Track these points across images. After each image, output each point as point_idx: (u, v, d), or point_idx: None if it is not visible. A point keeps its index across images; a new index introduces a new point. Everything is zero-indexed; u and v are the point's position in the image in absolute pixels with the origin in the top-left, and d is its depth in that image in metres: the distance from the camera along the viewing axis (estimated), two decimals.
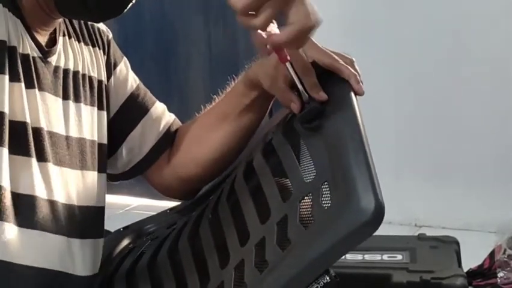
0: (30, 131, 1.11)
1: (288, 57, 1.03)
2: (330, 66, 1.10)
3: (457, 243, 1.50)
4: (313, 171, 0.98)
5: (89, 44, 1.29)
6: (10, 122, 1.09)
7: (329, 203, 0.90)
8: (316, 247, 0.87)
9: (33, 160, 1.12)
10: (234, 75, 1.35)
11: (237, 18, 0.96)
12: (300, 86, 1.06)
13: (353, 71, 1.09)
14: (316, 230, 0.89)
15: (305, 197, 0.96)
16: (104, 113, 1.29)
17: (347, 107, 1.01)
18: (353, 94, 1.05)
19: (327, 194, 0.92)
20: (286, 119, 1.13)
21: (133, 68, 1.41)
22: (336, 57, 1.11)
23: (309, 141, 1.03)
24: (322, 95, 1.06)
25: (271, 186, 1.04)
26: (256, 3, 0.93)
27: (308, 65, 1.08)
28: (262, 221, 1.01)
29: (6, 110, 1.08)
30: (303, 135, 1.04)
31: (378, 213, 0.84)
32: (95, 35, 1.31)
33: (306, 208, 0.96)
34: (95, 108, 1.27)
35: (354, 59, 1.13)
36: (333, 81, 1.08)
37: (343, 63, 1.10)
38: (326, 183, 0.93)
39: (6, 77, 1.08)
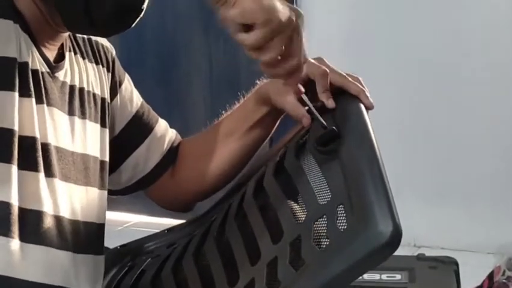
0: (39, 146, 1.11)
1: (303, 90, 1.10)
2: (340, 83, 1.15)
3: (456, 264, 1.49)
4: (327, 193, 0.99)
5: (93, 61, 1.29)
6: (20, 137, 1.08)
7: (344, 226, 0.91)
8: (332, 268, 0.87)
9: (41, 175, 1.11)
10: (235, 92, 1.36)
11: (245, 52, 1.06)
12: (316, 113, 1.09)
13: (361, 87, 1.15)
14: (332, 251, 0.89)
15: (320, 219, 0.96)
16: (107, 130, 1.29)
17: (362, 130, 1.02)
18: (364, 110, 1.09)
19: (343, 216, 0.92)
20: (297, 141, 1.13)
21: (134, 85, 1.41)
22: (345, 74, 1.16)
23: (324, 164, 1.03)
24: (331, 102, 1.11)
25: (284, 206, 1.04)
26: (263, 42, 1.03)
27: (325, 70, 1.14)
28: (274, 241, 1.01)
29: (15, 127, 1.08)
30: (317, 158, 1.05)
31: (396, 237, 0.84)
32: (99, 52, 1.31)
33: (320, 230, 0.96)
34: (98, 125, 1.27)
35: (360, 78, 1.18)
36: (344, 100, 1.12)
37: (352, 80, 1.15)
38: (341, 205, 0.93)
39: (16, 94, 1.08)
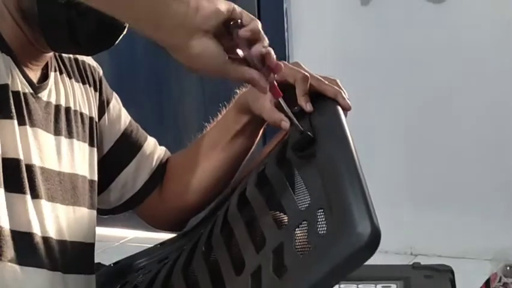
0: (23, 168, 1.11)
1: (280, 93, 1.07)
2: (317, 86, 1.14)
3: (452, 272, 1.49)
4: (307, 199, 0.98)
5: (80, 81, 1.29)
6: (4, 159, 1.08)
7: (324, 230, 0.89)
8: (314, 273, 0.85)
9: (28, 197, 1.11)
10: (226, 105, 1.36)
11: None
12: (293, 118, 1.08)
13: (337, 88, 1.14)
14: (313, 256, 0.88)
15: (300, 225, 0.95)
16: (95, 149, 1.29)
17: (339, 133, 1.01)
18: (341, 112, 1.08)
19: (323, 220, 0.91)
20: (278, 149, 1.13)
21: (127, 100, 1.41)
22: (321, 78, 1.16)
23: (303, 169, 1.02)
24: (309, 106, 1.10)
25: (265, 215, 1.03)
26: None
27: (306, 75, 1.12)
28: (257, 250, 1.00)
29: None
30: (296, 164, 1.04)
31: (375, 238, 0.82)
32: (85, 72, 1.31)
33: (302, 235, 0.95)
34: (87, 145, 1.27)
35: (337, 80, 1.17)
36: (322, 103, 1.11)
37: (329, 82, 1.15)
38: (321, 210, 0.92)
39: None
